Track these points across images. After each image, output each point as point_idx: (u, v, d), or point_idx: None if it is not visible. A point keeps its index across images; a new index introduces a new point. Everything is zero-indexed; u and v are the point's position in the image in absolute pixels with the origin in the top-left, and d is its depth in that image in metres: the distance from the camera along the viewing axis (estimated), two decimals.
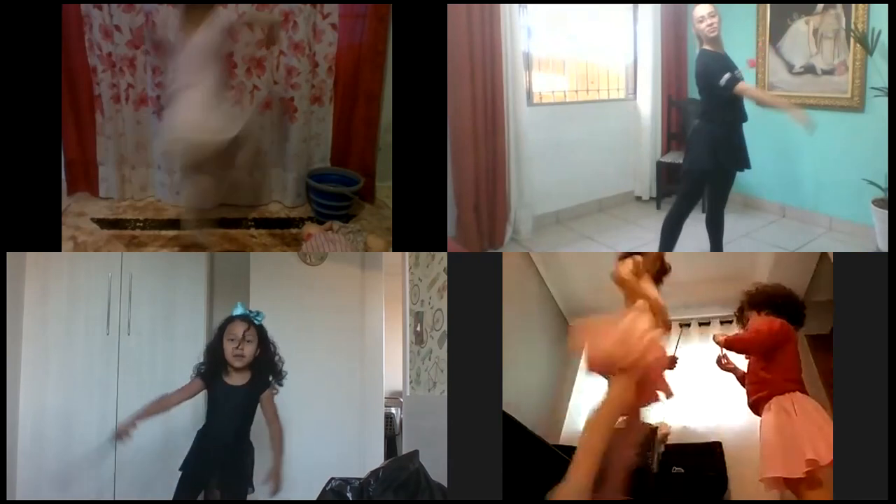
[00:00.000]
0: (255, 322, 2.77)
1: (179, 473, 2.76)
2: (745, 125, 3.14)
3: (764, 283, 2.74)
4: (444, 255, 2.81)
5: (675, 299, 4.21)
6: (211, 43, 2.99)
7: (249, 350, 2.71)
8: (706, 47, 3.13)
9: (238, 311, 2.80)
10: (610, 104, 4.70)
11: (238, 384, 2.76)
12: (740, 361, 2.70)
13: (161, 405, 2.74)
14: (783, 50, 4.11)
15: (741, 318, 2.73)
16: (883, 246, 3.33)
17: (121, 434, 2.69)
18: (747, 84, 3.22)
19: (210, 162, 3.11)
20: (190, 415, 3.55)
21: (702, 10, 3.07)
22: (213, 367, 2.74)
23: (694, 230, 3.61)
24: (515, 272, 3.77)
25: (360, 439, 3.98)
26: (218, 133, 3.06)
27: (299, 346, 3.93)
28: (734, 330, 2.91)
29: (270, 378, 2.82)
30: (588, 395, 4.02)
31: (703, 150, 3.12)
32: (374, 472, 2.19)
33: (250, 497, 2.84)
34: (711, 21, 3.07)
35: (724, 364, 2.72)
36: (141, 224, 3.78)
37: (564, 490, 1.88)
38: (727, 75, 3.04)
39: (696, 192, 3.31)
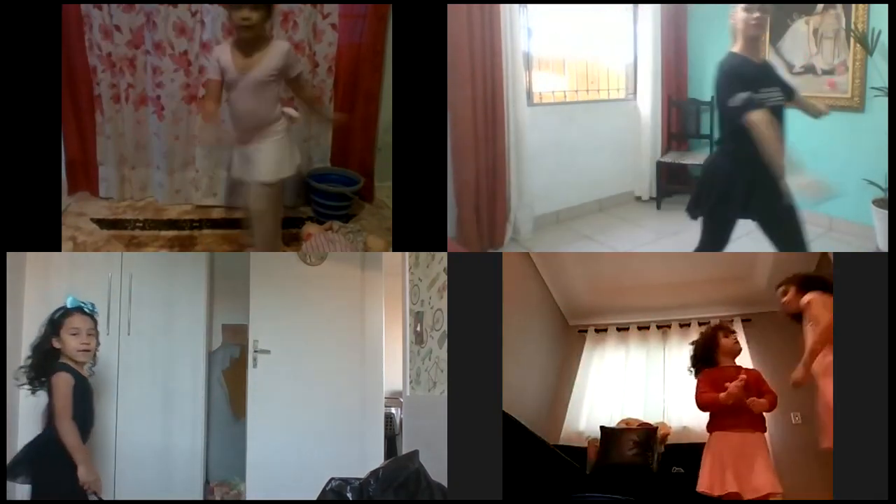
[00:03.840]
0: (95, 315, 2.64)
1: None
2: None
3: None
4: (444, 255, 2.81)
5: (675, 299, 4.24)
6: (267, 77, 2.92)
7: (94, 344, 2.59)
8: (736, 50, 2.50)
9: (72, 302, 2.61)
10: (610, 104, 4.71)
11: (87, 375, 2.61)
12: None
13: (77, 438, 2.47)
14: (783, 50, 4.11)
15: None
16: (883, 246, 3.33)
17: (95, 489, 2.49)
18: (765, 116, 2.39)
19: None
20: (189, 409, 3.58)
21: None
22: (48, 366, 2.53)
23: (695, 230, 3.61)
24: (515, 272, 3.77)
25: (360, 439, 3.98)
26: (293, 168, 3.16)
27: (299, 346, 3.94)
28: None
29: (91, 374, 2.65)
30: (588, 395, 4.04)
31: (703, 192, 2.69)
32: (374, 472, 2.19)
33: None
34: (757, 16, 2.43)
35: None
36: (141, 224, 3.78)
37: None
38: (744, 95, 2.39)
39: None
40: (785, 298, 2.61)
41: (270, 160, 3.05)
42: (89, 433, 2.61)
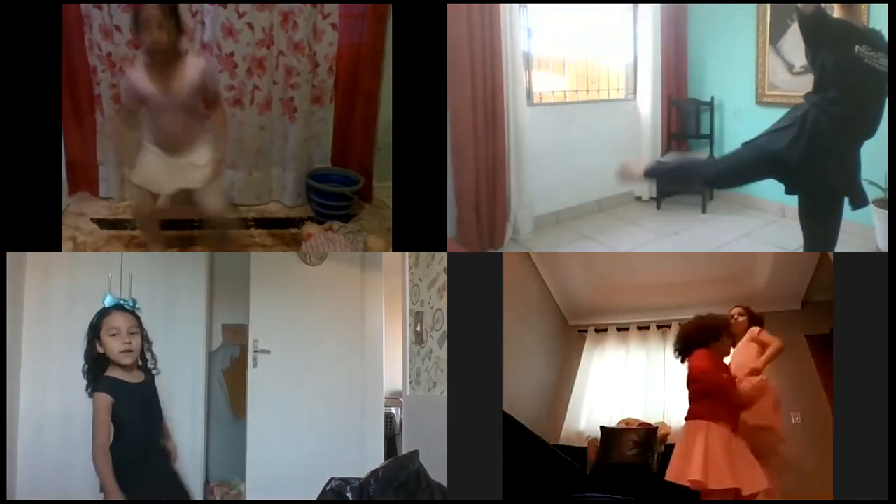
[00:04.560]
0: (136, 311, 2.43)
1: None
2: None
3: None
4: (444, 255, 2.81)
5: (675, 299, 4.24)
6: (191, 92, 2.86)
7: (137, 343, 2.36)
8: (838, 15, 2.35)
9: (111, 301, 2.42)
10: (610, 104, 4.71)
11: (138, 381, 2.39)
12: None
13: (107, 456, 2.25)
14: (783, 50, 4.11)
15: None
16: (883, 246, 3.33)
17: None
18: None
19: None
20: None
21: None
22: (99, 375, 2.34)
23: (695, 230, 3.63)
24: (515, 272, 3.78)
25: (360, 439, 3.98)
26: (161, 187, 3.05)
27: (299, 346, 3.94)
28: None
29: (153, 371, 2.47)
30: (588, 395, 4.04)
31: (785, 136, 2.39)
32: (374, 472, 2.19)
33: None
34: None
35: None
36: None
37: None
38: (861, 48, 2.27)
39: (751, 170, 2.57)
40: (741, 318, 3.11)
41: (204, 164, 3.03)
42: (155, 443, 2.41)
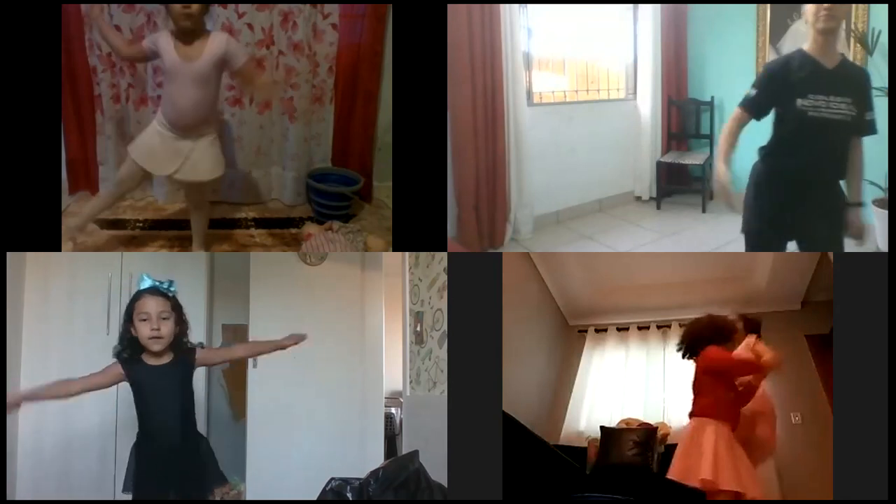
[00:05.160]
0: (170, 294, 2.33)
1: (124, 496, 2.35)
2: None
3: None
4: (444, 255, 2.81)
5: (675, 299, 4.24)
6: (210, 66, 2.89)
7: (167, 329, 2.27)
8: (803, 47, 2.34)
9: (146, 283, 2.34)
10: (610, 104, 4.71)
11: (164, 363, 2.31)
12: None
13: (61, 390, 2.28)
14: (783, 50, 4.11)
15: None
16: (883, 246, 3.33)
17: (10, 407, 2.32)
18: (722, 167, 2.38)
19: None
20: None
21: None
22: (130, 358, 2.31)
23: (695, 230, 3.63)
24: (515, 272, 3.78)
25: (360, 439, 3.99)
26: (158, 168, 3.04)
27: (299, 346, 3.94)
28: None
29: (189, 344, 2.38)
30: (588, 395, 4.04)
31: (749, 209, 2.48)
32: (374, 472, 2.19)
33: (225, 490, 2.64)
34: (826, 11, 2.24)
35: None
36: (141, 224, 3.78)
37: None
38: (805, 101, 2.28)
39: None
40: (738, 325, 2.86)
41: (207, 160, 3.05)
42: (186, 435, 2.33)
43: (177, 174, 3.05)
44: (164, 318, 2.27)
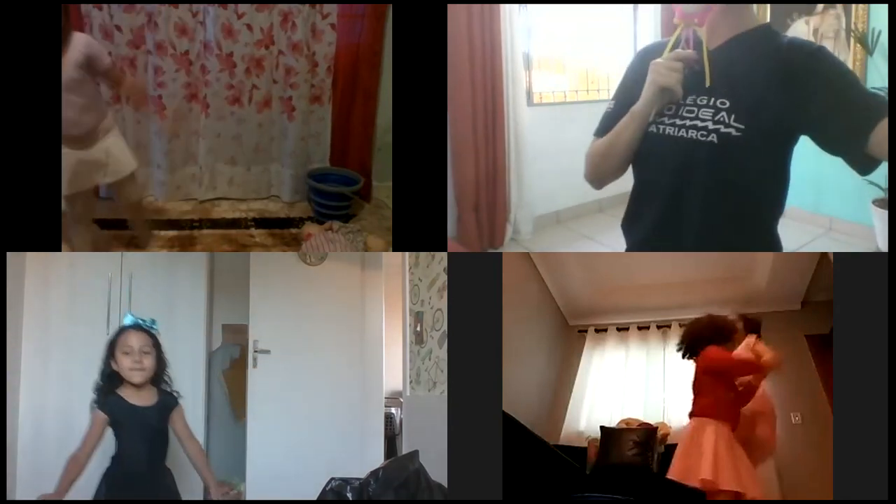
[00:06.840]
0: (152, 331, 2.47)
1: None
2: None
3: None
4: (444, 255, 2.81)
5: (675, 299, 4.24)
6: (74, 73, 2.76)
7: (149, 362, 2.39)
8: None
9: (129, 320, 2.49)
10: None
11: (145, 404, 2.41)
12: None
13: (77, 466, 2.35)
14: None
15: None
16: (883, 246, 3.33)
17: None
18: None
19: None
20: None
21: None
22: (109, 392, 2.40)
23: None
24: (515, 272, 3.77)
25: (360, 439, 3.99)
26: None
27: (299, 346, 3.94)
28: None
29: (174, 393, 2.49)
30: (588, 395, 4.04)
31: None
32: (374, 472, 2.19)
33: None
34: None
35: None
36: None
37: None
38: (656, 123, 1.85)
39: None
40: (739, 325, 2.81)
41: (124, 150, 3.04)
42: (155, 465, 2.43)
43: (107, 177, 3.05)
44: (145, 353, 2.39)
